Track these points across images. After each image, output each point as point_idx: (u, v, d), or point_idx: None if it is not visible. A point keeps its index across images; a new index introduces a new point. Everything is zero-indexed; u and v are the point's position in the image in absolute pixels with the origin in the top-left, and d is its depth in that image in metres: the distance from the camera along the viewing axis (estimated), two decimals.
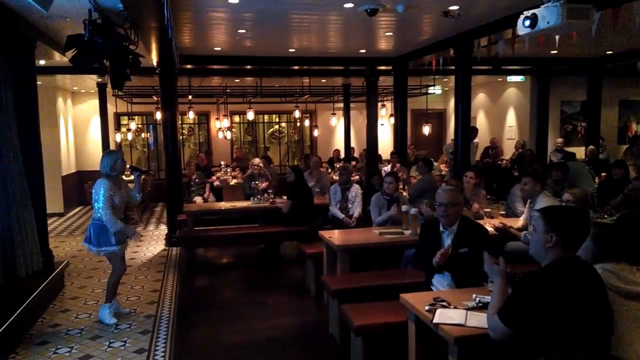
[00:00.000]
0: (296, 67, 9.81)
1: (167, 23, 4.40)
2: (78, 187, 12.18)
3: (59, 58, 7.16)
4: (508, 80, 12.56)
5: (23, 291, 5.00)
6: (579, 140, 12.32)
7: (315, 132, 14.18)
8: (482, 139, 13.54)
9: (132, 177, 5.49)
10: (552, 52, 9.26)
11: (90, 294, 5.92)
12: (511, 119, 12.87)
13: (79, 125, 13.17)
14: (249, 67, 9.56)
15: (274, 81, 11.80)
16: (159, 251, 7.93)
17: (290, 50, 8.36)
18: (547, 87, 11.27)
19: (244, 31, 6.79)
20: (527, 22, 4.09)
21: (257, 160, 8.91)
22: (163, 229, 9.41)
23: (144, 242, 8.47)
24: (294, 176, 7.20)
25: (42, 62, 7.99)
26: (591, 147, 10.22)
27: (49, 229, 7.23)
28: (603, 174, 8.51)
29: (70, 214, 11.62)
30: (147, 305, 5.50)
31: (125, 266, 5.27)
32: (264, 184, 8.47)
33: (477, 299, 3.04)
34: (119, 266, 5.09)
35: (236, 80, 11.76)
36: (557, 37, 5.99)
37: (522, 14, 4.16)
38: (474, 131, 10.66)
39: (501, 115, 13.18)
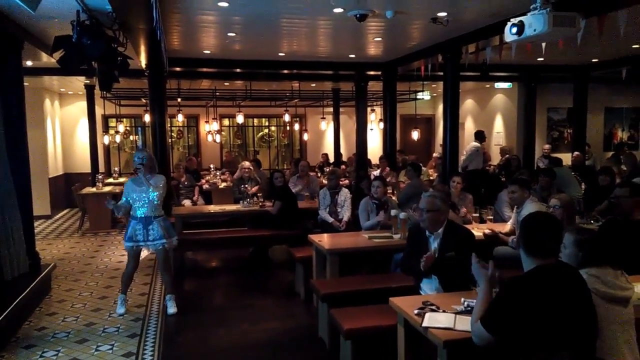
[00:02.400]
0: (286, 71, 9.82)
1: (156, 25, 4.39)
2: (65, 189, 12.06)
3: (46, 59, 7.11)
4: (495, 86, 12.68)
5: (9, 294, 4.94)
6: (565, 147, 12.46)
7: (305, 136, 14.20)
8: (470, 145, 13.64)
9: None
10: (539, 59, 9.38)
11: (77, 297, 5.87)
12: (499, 125, 12.98)
13: (66, 127, 13.06)
14: (238, 70, 9.55)
15: (263, 85, 11.81)
16: (147, 254, 7.84)
17: (280, 54, 8.38)
18: (533, 94, 11.41)
19: (233, 35, 6.80)
20: (514, 29, 4.15)
21: (247, 164, 8.90)
22: None
23: None
24: (284, 179, 7.25)
25: (29, 63, 7.92)
26: (577, 153, 10.35)
27: (36, 231, 7.15)
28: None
29: (58, 216, 11.51)
30: (135, 309, 5.46)
31: (133, 266, 5.38)
32: (254, 188, 8.46)
33: (466, 302, 3.06)
34: (128, 261, 5.38)
35: (226, 84, 11.75)
36: (543, 44, 6.07)
37: (509, 21, 4.22)
38: (480, 135, 10.76)
39: (489, 122, 13.29)
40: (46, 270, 5.97)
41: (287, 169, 12.37)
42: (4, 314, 4.49)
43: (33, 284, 5.40)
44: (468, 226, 4.90)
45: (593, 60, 9.70)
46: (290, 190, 7.50)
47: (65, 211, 12.17)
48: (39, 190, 10.01)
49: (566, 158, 11.26)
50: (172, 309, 5.35)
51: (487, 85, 12.81)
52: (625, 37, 6.04)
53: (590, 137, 11.57)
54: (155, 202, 5.17)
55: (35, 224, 7.29)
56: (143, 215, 5.17)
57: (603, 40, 6.77)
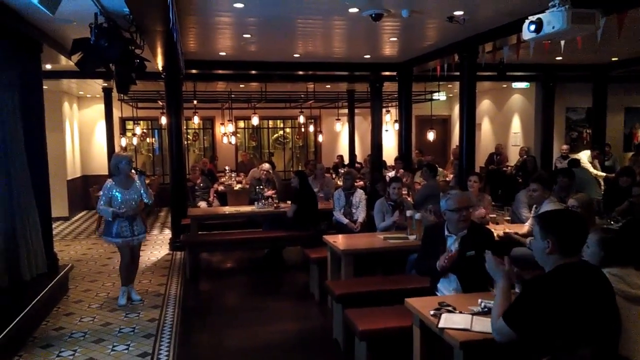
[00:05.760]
0: (301, 73, 9.85)
1: (173, 27, 4.42)
2: (83, 191, 12.20)
3: (65, 62, 7.20)
4: (513, 86, 12.53)
5: (27, 294, 5.01)
6: (584, 147, 12.25)
7: (320, 138, 14.19)
8: (487, 145, 13.52)
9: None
10: (557, 58, 9.25)
11: (94, 298, 5.92)
12: (516, 125, 12.83)
13: (84, 129, 13.22)
14: (253, 72, 9.60)
15: (278, 86, 11.84)
16: (163, 255, 7.94)
17: (295, 55, 8.39)
18: (552, 94, 11.24)
19: (248, 36, 6.82)
20: (532, 27, 4.08)
21: (267, 166, 8.88)
22: (167, 233, 9.42)
23: (148, 246, 8.46)
24: (298, 180, 7.18)
25: (48, 67, 8.03)
26: (595, 152, 10.19)
27: (54, 232, 7.25)
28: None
29: (75, 217, 11.65)
30: (150, 309, 5.49)
31: (129, 259, 5.63)
32: (271, 192, 8.41)
33: (483, 303, 3.01)
34: (123, 256, 5.62)
35: (241, 86, 11.80)
36: (562, 42, 5.97)
37: (527, 19, 4.16)
38: None
39: (506, 122, 13.15)
40: (64, 271, 6.03)
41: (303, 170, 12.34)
42: (22, 314, 4.54)
43: (51, 284, 5.46)
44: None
45: (613, 59, 9.54)
46: (306, 191, 7.24)
47: (82, 213, 12.31)
48: (57, 191, 10.11)
49: None
50: (138, 296, 5.76)
51: (504, 85, 12.68)
52: None
53: (610, 138, 11.37)
54: (141, 200, 5.54)
55: (54, 225, 7.38)
56: (131, 214, 5.49)
57: (623, 39, 6.65)
